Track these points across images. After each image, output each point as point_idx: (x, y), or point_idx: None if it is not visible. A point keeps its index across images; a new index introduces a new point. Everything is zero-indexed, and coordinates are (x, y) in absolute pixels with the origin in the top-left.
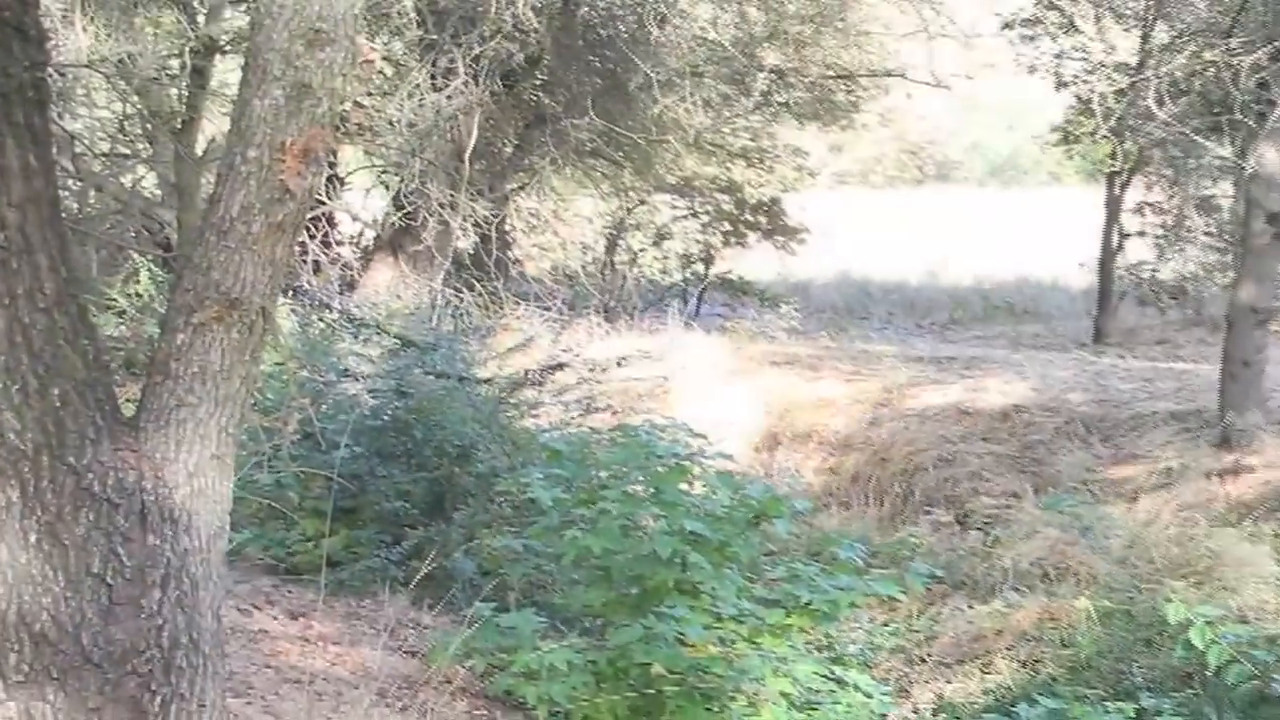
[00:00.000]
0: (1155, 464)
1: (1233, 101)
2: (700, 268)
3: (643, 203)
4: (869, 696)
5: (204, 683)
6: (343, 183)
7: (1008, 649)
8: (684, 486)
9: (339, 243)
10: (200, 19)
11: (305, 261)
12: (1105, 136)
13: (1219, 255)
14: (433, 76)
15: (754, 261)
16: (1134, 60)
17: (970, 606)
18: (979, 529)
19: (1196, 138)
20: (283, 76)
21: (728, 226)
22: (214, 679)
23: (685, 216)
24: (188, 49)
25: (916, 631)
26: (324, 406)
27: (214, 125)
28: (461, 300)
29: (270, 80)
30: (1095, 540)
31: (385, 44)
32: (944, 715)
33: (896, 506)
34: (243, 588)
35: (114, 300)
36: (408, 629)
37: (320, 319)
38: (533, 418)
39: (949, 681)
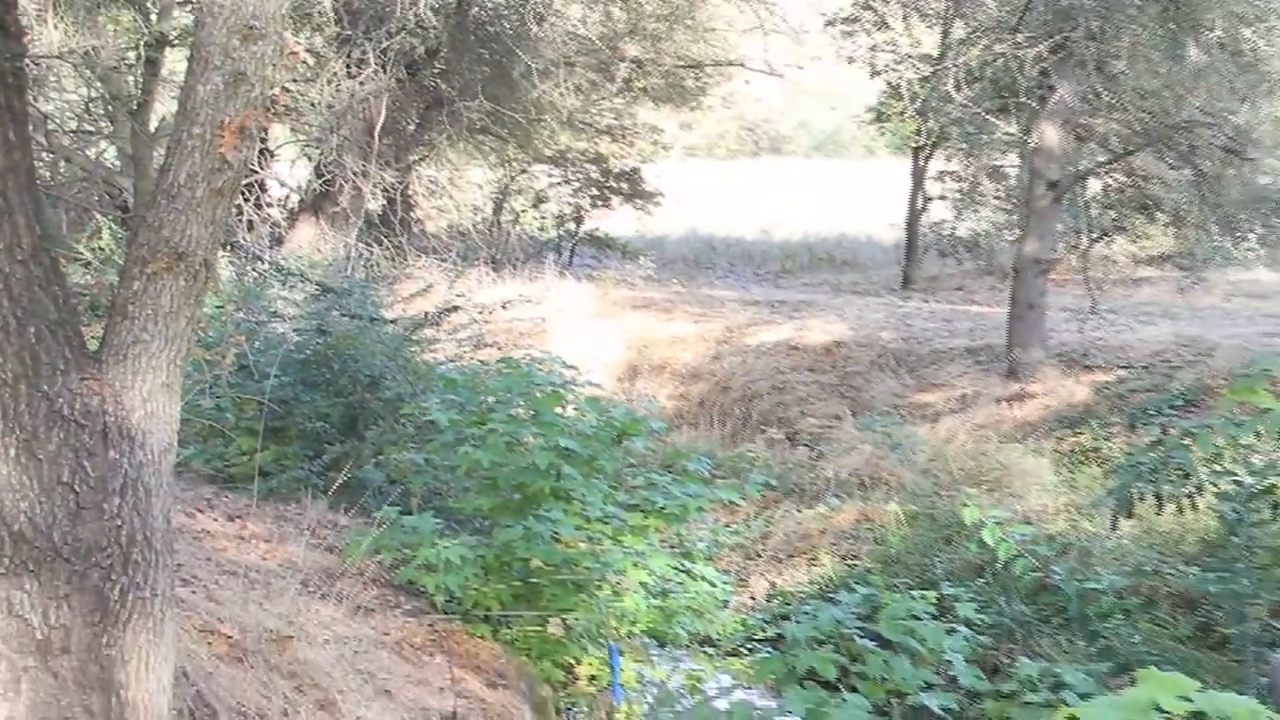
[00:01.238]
0: (953, 391)
1: (1018, 87)
2: (572, 226)
3: (524, 172)
4: (714, 586)
5: (156, 574)
6: (272, 155)
7: (830, 545)
8: (559, 410)
9: (269, 205)
10: (153, 17)
11: (241, 221)
12: (911, 116)
13: (1006, 215)
14: (347, 66)
15: (617, 221)
16: (936, 52)
17: (799, 510)
18: (806, 445)
19: (988, 117)
20: (222, 66)
21: (595, 192)
22: (164, 571)
23: (559, 183)
24: (142, 43)
25: (753, 531)
26: (256, 343)
27: (164, 107)
28: (372, 253)
29: (211, 69)
30: (903, 455)
31: (308, 39)
32: (776, 601)
33: (736, 427)
34: (188, 494)
35: (80, 253)
36: (327, 529)
37: (253, 269)
38: (431, 352)
39: (781, 573)
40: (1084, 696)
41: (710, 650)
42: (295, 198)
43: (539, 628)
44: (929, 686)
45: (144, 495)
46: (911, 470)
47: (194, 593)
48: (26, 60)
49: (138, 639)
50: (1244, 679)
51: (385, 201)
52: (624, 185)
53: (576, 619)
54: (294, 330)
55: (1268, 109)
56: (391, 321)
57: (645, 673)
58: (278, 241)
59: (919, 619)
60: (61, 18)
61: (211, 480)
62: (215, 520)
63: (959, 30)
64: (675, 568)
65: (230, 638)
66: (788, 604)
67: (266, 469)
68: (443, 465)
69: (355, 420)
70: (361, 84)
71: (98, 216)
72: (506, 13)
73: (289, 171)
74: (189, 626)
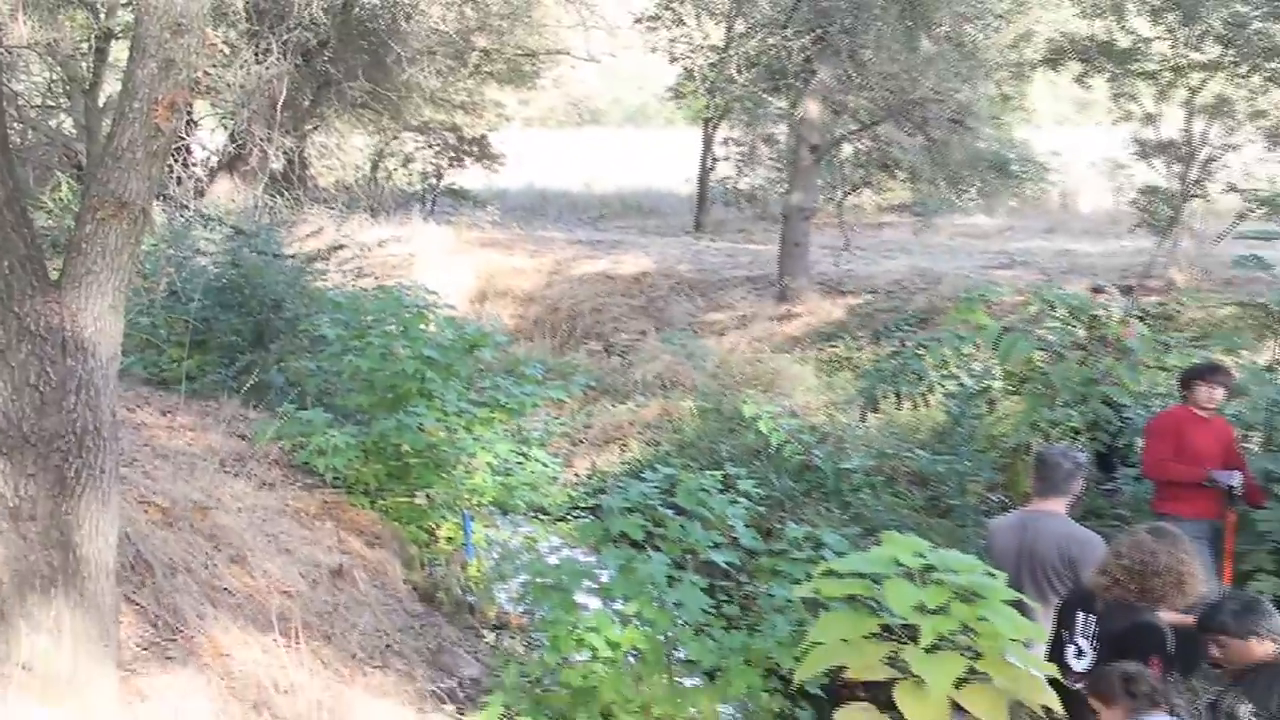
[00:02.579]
0: (735, 312)
1: (787, 71)
2: (433, 181)
3: (395, 138)
4: (545, 465)
5: (104, 457)
6: (196, 124)
7: (638, 434)
8: (423, 326)
9: (193, 164)
10: (102, 15)
11: (171, 176)
12: (702, 94)
13: (778, 173)
14: (255, 54)
15: (469, 177)
16: (721, 43)
17: (613, 406)
18: (619, 355)
19: (763, 95)
20: (156, 54)
21: (451, 154)
22: (110, 454)
23: (423, 147)
24: (93, 35)
25: (577, 423)
26: (183, 274)
27: (110, 87)
28: (274, 203)
29: (148, 57)
30: (696, 362)
31: (224, 32)
32: (596, 478)
33: (564, 340)
34: (129, 394)
35: (44, 203)
36: (239, 421)
37: (181, 215)
38: (322, 280)
39: (599, 456)
40: (839, 554)
41: (543, 517)
42: (214, 159)
43: (407, 499)
44: (716, 545)
45: (94, 394)
46: (702, 374)
47: (134, 472)
48: (2, 50)
49: (89, 508)
50: (965, 540)
51: (285, 162)
52: (475, 149)
53: (437, 492)
54: (213, 264)
55: (984, 88)
56: (290, 256)
57: (491, 535)
58: (200, 194)
59: (708, 492)
60: (29, 15)
61: (148, 383)
62: (151, 414)
63: (740, 25)
64: (515, 452)
65: (163, 507)
66: (604, 481)
67: (191, 374)
68: (331, 370)
69: (262, 335)
70: (266, 69)
71: (58, 174)
72: (381, 11)
73: (209, 138)
74: (130, 498)
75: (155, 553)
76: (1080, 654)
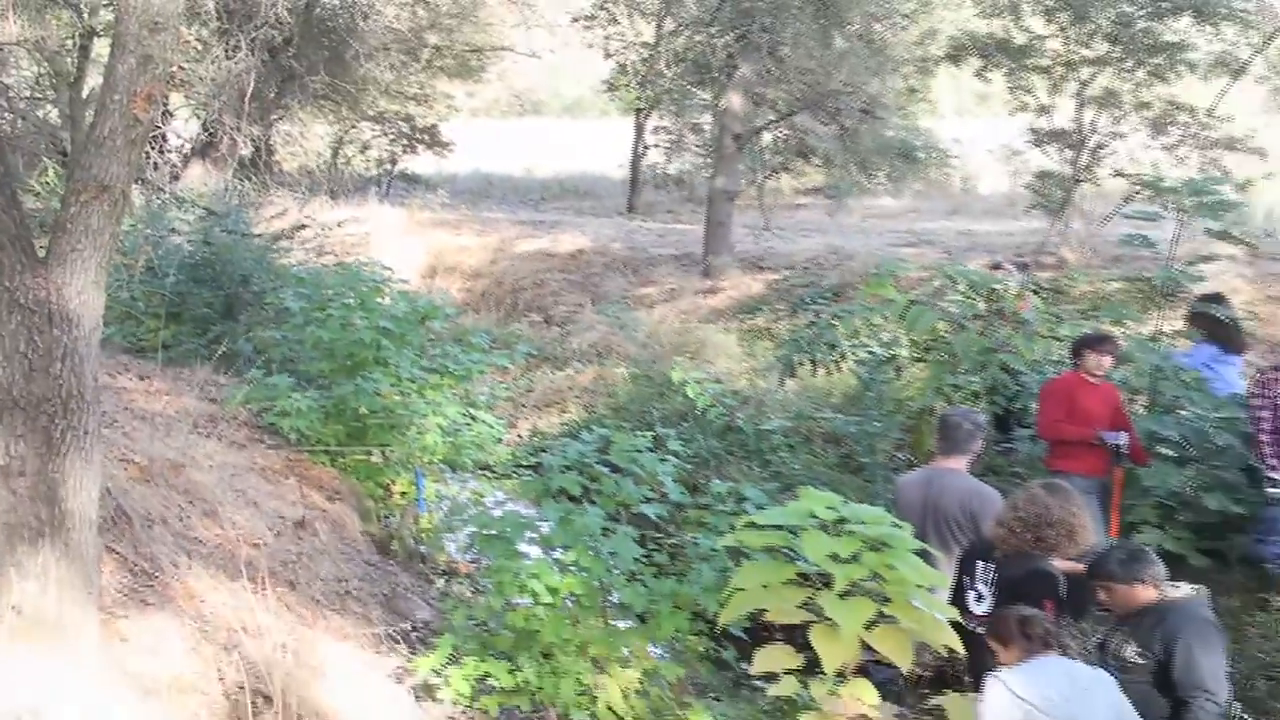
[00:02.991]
0: (664, 286)
1: (712, 66)
2: (388, 166)
3: (354, 127)
4: (491, 427)
5: (87, 419)
6: (171, 115)
7: (575, 398)
8: (379, 299)
9: (169, 151)
10: (85, 15)
11: (149, 162)
12: (634, 87)
13: (703, 159)
14: (225, 50)
15: (421, 163)
16: (652, 40)
17: (553, 372)
18: (558, 325)
19: (690, 88)
20: (135, 50)
21: (405, 141)
22: (93, 416)
23: (379, 135)
24: (78, 33)
25: (520, 388)
26: (159, 251)
27: (93, 80)
28: (243, 186)
29: (127, 52)
30: (628, 332)
31: (197, 31)
32: (537, 439)
33: (508, 312)
34: (110, 361)
35: (33, 186)
36: (211, 386)
37: (157, 198)
38: (286, 258)
39: (540, 418)
40: (760, 508)
41: (489, 474)
42: (187, 146)
43: (364, 457)
44: (647, 500)
45: (78, 361)
46: (634, 344)
47: (114, 432)
48: None
49: (74, 465)
50: (875, 495)
51: (253, 149)
52: (426, 137)
53: (392, 451)
54: (187, 242)
55: (892, 82)
56: (258, 236)
57: (441, 490)
58: (175, 178)
59: (640, 451)
60: (19, 14)
61: (127, 351)
62: (130, 380)
63: (669, 24)
64: (463, 414)
65: (141, 465)
66: (545, 441)
67: (167, 343)
68: (295, 340)
69: (231, 307)
70: (236, 64)
71: (45, 160)
72: (341, 11)
73: (183, 127)
74: (111, 457)
75: (134, 506)
76: (980, 599)
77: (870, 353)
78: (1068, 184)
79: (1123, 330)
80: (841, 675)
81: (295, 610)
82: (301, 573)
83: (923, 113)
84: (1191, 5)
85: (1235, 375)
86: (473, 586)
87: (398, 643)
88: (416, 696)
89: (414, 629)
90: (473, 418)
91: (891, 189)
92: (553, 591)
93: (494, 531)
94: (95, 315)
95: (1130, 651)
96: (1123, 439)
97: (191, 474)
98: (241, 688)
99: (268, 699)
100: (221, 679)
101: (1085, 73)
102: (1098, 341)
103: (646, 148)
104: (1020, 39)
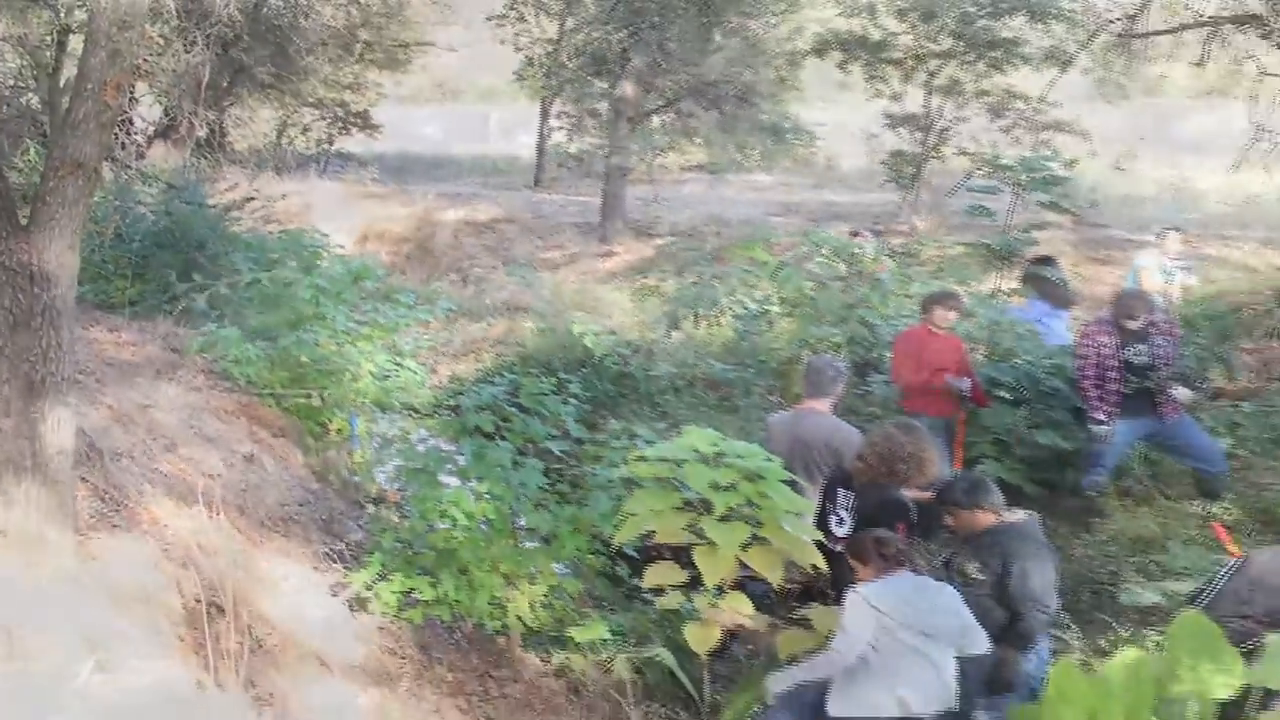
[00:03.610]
0: (566, 251)
1: (608, 58)
2: (326, 146)
3: (296, 111)
4: (415, 373)
5: (63, 366)
6: (136, 101)
7: (489, 348)
8: (319, 262)
9: (135, 133)
10: (62, 14)
11: (117, 142)
12: (540, 77)
13: (601, 139)
14: (184, 45)
15: (354, 143)
16: (556, 37)
17: (470, 325)
18: (474, 285)
19: (589, 78)
20: (105, 45)
21: (340, 124)
22: (68, 364)
23: (318, 119)
24: (55, 30)
25: (441, 339)
26: (127, 220)
27: (69, 71)
28: (199, 164)
29: (99, 47)
30: (535, 291)
31: (159, 28)
32: (455, 382)
33: (430, 272)
34: (84, 316)
35: (16, 164)
36: (172, 338)
37: (125, 174)
38: (237, 225)
39: (458, 365)
40: (649, 443)
41: (414, 414)
42: (151, 128)
43: (305, 400)
44: (552, 437)
45: (56, 316)
46: (540, 300)
47: (87, 378)
48: None
49: (52, 407)
50: (750, 433)
51: (208, 131)
52: (359, 120)
53: (329, 394)
54: (150, 212)
55: (765, 73)
56: (212, 206)
57: (372, 429)
58: (140, 156)
59: (545, 394)
60: (3, 13)
61: (98, 307)
62: (100, 332)
63: (570, 22)
64: (391, 362)
65: (110, 406)
66: (462, 385)
67: (133, 300)
68: (244, 297)
69: (190, 269)
70: (193, 56)
71: (27, 140)
72: (285, 11)
73: (147, 111)
74: (84, 399)
75: (104, 443)
76: (841, 523)
77: (745, 308)
78: (918, 161)
79: (966, 289)
80: (721, 589)
81: (245, 532)
82: (250, 500)
83: (792, 99)
84: (1026, 5)
85: (1063, 328)
86: (399, 512)
87: (334, 561)
88: (350, 607)
89: (348, 549)
90: (400, 365)
91: (764, 166)
92: (469, 516)
93: (418, 464)
94: (71, 275)
95: (972, 569)
96: (966, 384)
97: (154, 414)
98: (198, 600)
99: (220, 609)
100: (180, 591)
101: (933, 64)
102: (944, 298)
103: (551, 130)
104: (876, 35)
